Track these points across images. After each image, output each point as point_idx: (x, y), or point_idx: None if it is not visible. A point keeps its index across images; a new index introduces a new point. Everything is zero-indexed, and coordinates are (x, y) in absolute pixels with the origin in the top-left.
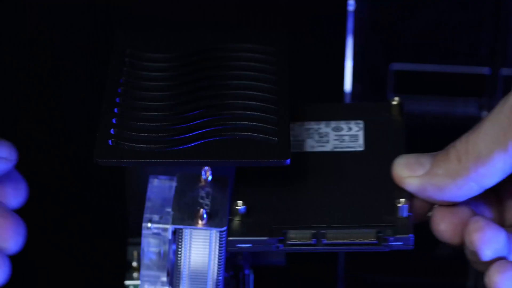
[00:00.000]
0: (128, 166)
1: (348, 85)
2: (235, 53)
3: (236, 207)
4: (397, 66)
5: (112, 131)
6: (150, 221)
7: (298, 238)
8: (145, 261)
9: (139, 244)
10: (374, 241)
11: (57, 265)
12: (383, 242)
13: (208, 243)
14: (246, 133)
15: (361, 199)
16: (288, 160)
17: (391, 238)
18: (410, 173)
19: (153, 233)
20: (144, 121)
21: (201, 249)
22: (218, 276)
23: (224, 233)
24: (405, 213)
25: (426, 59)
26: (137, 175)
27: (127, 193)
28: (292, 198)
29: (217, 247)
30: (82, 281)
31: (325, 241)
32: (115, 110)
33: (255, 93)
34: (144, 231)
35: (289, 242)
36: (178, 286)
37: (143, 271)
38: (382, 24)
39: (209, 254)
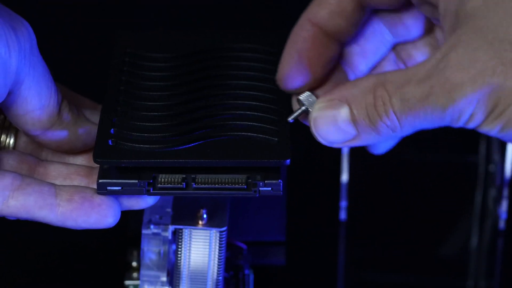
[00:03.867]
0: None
1: None
2: (235, 53)
3: None
4: None
5: (112, 131)
6: (150, 221)
7: (168, 181)
8: (145, 261)
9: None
10: (243, 186)
11: (57, 264)
12: (253, 187)
13: (208, 243)
14: (246, 133)
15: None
16: (288, 161)
17: (261, 184)
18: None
19: (153, 233)
20: (144, 121)
21: (201, 249)
22: (218, 276)
23: (224, 233)
24: None
25: None
26: None
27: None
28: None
29: (217, 247)
30: (82, 281)
31: (195, 185)
32: (115, 110)
33: (255, 93)
34: (144, 231)
35: (159, 185)
36: (178, 286)
37: (143, 271)
38: None
39: (209, 254)
